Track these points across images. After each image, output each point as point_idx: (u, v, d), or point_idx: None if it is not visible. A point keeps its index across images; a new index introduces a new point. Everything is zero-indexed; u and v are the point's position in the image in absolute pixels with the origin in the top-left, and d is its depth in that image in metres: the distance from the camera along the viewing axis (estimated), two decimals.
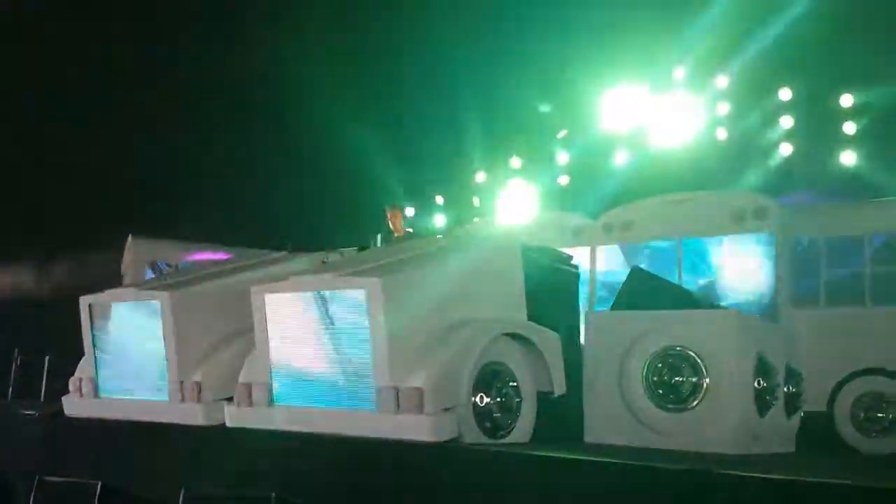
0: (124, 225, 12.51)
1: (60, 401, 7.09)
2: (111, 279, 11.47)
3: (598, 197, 12.84)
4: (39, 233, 13.45)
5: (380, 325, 5.13)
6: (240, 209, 13.90)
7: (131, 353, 6.67)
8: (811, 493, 3.46)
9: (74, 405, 6.92)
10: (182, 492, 4.74)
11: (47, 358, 10.88)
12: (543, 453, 4.66)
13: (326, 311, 5.43)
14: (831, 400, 8.47)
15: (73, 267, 13.24)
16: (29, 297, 13.46)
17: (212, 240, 12.50)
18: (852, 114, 12.72)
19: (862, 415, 8.43)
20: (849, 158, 12.64)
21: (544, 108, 14.98)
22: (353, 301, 5.28)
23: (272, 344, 5.68)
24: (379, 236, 8.17)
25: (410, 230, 8.73)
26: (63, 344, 7.75)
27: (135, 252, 12.33)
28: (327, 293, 5.42)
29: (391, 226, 8.42)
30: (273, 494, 4.43)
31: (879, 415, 8.37)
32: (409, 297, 5.32)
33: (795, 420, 6.88)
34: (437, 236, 11.38)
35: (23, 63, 12.94)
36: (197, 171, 14.01)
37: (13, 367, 11.68)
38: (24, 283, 13.73)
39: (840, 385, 8.46)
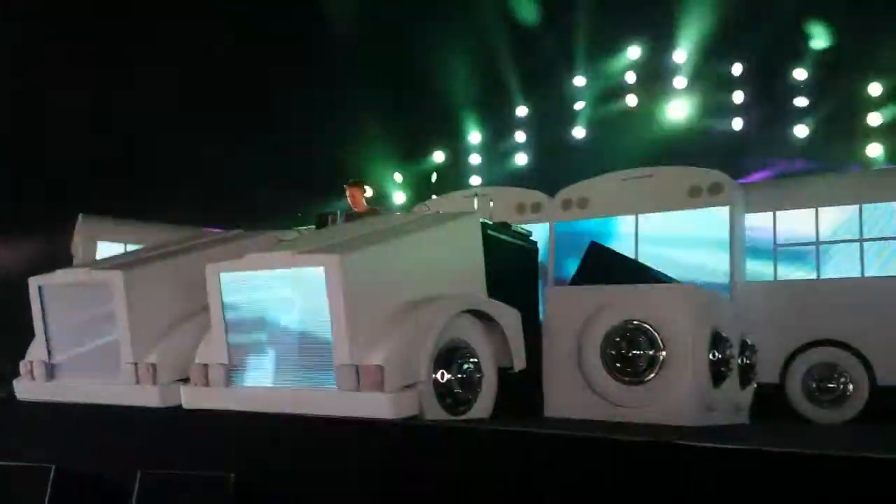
0: (72, 203, 12.23)
1: (11, 384, 6.93)
2: (59, 259, 11.23)
3: (557, 173, 12.89)
4: None
5: (339, 302, 5.07)
6: (192, 189, 13.66)
7: (84, 335, 6.50)
8: (766, 462, 3.53)
9: (26, 389, 6.74)
10: (139, 474, 4.66)
11: None
12: (503, 428, 4.67)
13: (284, 289, 5.35)
14: (784, 371, 8.67)
15: (18, 247, 12.89)
16: None
17: (163, 220, 12.27)
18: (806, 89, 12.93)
19: (814, 385, 8.64)
20: (802, 132, 12.85)
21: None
22: (311, 279, 5.20)
23: (228, 323, 5.59)
24: (339, 213, 8.10)
25: (377, 208, 8.63)
26: (11, 326, 7.54)
27: (85, 231, 12.08)
28: (285, 271, 5.35)
29: (350, 202, 8.34)
30: (232, 475, 4.37)
31: (831, 385, 8.59)
32: (368, 275, 5.27)
33: (749, 391, 7.03)
34: (397, 213, 11.32)
35: None
36: (148, 150, 13.74)
37: None
38: None
39: (792, 356, 8.66)
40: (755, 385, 7.17)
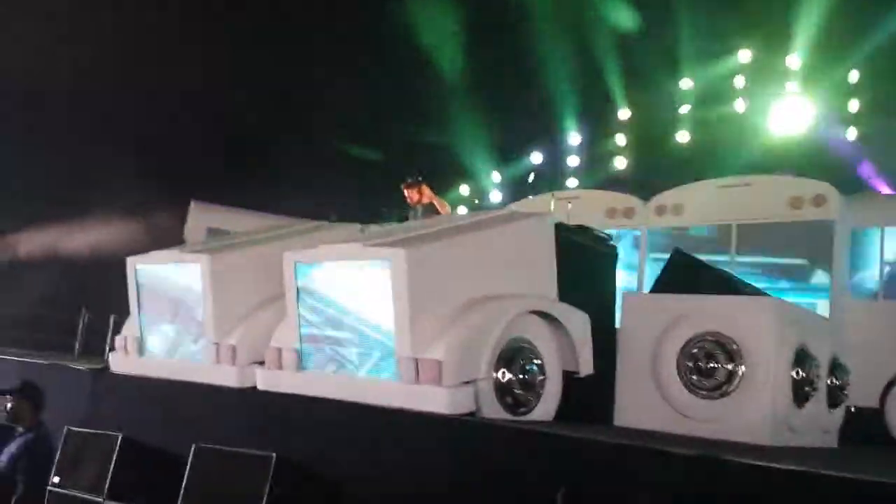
0: (194, 189, 12.87)
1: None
2: (178, 242, 11.83)
3: (658, 177, 12.56)
4: (111, 193, 13.88)
5: (402, 295, 5.13)
6: (302, 180, 14.12)
7: (173, 314, 6.83)
8: (818, 485, 3.32)
9: (119, 362, 7.14)
10: (193, 447, 4.86)
11: (112, 317, 11.26)
12: (552, 431, 4.59)
13: (353, 279, 5.45)
14: (883, 396, 8.15)
15: (145, 228, 13.62)
16: (99, 256, 13.91)
17: (271, 209, 12.72)
18: None
19: None
20: None
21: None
22: (377, 271, 5.28)
23: (301, 309, 5.75)
24: (419, 210, 8.19)
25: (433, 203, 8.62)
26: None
27: (195, 217, 12.69)
28: (353, 262, 5.45)
29: (409, 200, 8.44)
30: (274, 455, 4.49)
31: None
32: (433, 269, 5.29)
33: (839, 414, 6.65)
34: (476, 211, 11.30)
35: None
36: (266, 140, 14.31)
37: (80, 325, 12.15)
38: (96, 243, 14.20)
39: (893, 381, 8.13)
40: (846, 407, 6.76)
